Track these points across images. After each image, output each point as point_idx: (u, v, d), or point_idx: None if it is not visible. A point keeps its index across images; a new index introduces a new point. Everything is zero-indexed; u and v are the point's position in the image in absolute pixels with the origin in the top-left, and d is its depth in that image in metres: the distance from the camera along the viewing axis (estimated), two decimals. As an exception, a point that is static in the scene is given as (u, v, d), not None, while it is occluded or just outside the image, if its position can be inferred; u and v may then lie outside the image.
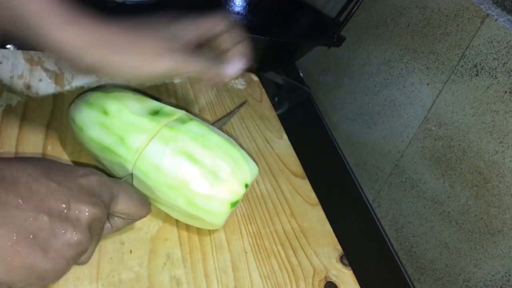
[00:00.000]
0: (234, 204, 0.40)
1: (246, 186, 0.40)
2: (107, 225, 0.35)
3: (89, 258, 0.32)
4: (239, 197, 0.40)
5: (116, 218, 0.36)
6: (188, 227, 0.43)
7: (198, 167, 0.38)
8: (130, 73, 0.35)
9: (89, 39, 0.33)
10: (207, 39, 0.41)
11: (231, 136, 0.51)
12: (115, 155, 0.40)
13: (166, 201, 0.39)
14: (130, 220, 0.36)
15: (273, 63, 0.76)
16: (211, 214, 0.39)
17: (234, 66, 0.41)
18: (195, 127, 0.41)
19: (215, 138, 0.41)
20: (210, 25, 0.41)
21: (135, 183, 0.40)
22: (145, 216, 0.37)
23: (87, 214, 0.29)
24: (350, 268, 0.46)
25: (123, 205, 0.34)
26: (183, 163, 0.38)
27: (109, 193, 0.33)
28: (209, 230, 0.44)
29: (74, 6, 0.33)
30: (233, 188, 0.39)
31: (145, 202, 0.37)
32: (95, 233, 0.31)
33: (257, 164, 0.43)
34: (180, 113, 0.42)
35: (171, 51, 0.36)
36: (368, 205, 0.67)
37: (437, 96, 0.57)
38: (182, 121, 0.41)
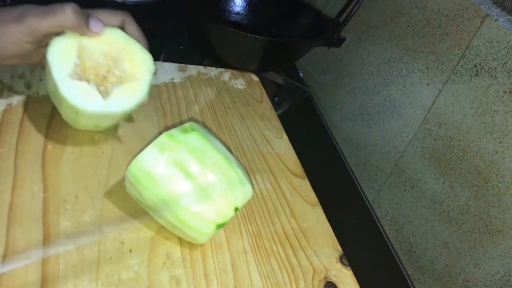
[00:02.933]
0: (220, 226, 0.39)
1: (236, 209, 0.40)
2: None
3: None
4: (226, 219, 0.39)
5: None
6: (188, 227, 0.43)
7: (190, 182, 0.38)
8: None
9: None
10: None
11: (233, 141, 0.51)
12: None
13: (155, 209, 0.39)
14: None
15: (273, 63, 0.76)
16: (196, 231, 0.39)
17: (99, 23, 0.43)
18: (196, 139, 0.40)
19: (214, 154, 0.39)
20: (101, 18, 0.43)
21: (127, 185, 0.40)
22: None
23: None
24: (349, 268, 0.46)
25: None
26: (176, 175, 0.37)
27: None
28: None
29: None
30: (222, 210, 0.39)
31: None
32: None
33: (252, 187, 0.42)
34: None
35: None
36: (368, 205, 0.67)
37: (437, 96, 0.57)
38: (184, 130, 0.40)
